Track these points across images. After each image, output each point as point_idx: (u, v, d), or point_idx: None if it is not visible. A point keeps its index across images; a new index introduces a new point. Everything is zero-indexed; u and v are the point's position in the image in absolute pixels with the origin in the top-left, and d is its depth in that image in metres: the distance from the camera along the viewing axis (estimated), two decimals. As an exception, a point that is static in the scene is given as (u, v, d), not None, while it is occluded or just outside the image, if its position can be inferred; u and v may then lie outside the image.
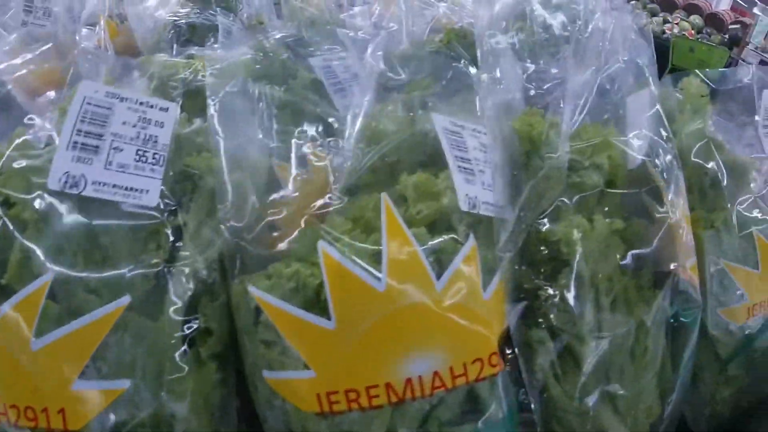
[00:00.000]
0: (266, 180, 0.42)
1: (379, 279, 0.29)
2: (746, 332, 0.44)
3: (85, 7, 0.80)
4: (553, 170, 0.37)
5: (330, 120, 0.49)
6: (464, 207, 0.35)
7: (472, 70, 0.57)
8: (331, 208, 0.41)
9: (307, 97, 0.51)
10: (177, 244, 0.34)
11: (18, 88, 0.68)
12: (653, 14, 1.97)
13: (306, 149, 0.46)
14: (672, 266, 0.41)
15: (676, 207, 0.40)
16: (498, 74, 0.50)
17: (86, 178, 0.32)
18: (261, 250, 0.38)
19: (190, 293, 0.34)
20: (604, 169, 0.40)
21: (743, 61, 1.65)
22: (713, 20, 1.84)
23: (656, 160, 0.42)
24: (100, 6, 0.78)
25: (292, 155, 0.45)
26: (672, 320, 0.40)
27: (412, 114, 0.48)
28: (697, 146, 0.43)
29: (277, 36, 0.55)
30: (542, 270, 0.38)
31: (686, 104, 0.46)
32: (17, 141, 0.34)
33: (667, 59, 1.49)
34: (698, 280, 0.40)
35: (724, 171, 0.44)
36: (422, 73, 0.55)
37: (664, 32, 1.83)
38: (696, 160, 0.44)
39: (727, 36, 1.78)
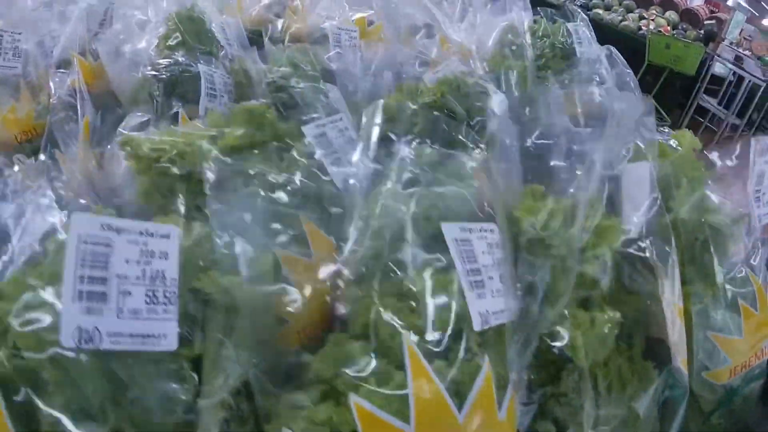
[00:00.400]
0: (274, 277, 0.41)
1: (408, 423, 0.30)
2: (727, 388, 0.47)
3: (56, 43, 0.73)
4: (561, 277, 0.37)
5: (331, 201, 0.48)
6: (478, 327, 0.34)
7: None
8: (340, 302, 0.41)
9: (305, 174, 0.49)
10: (199, 375, 0.34)
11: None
12: (629, 10, 1.92)
13: (308, 235, 0.45)
14: (661, 335, 0.43)
15: (668, 293, 0.41)
16: (498, 152, 0.49)
17: (100, 330, 0.30)
18: (281, 361, 0.38)
19: (220, 425, 0.33)
20: (606, 263, 0.40)
21: (719, 57, 1.64)
22: (689, 16, 1.81)
23: (652, 245, 0.42)
24: (72, 42, 0.72)
25: (294, 243, 0.44)
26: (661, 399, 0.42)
27: (412, 190, 0.47)
28: (693, 225, 0.44)
29: (265, 101, 0.52)
30: (547, 369, 0.38)
31: (682, 177, 0.46)
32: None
33: (643, 56, 1.47)
34: (687, 371, 0.41)
35: (717, 242, 0.45)
36: (418, 135, 0.53)
37: (640, 29, 1.80)
38: (692, 236, 0.44)
39: (702, 32, 1.75)
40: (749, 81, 1.85)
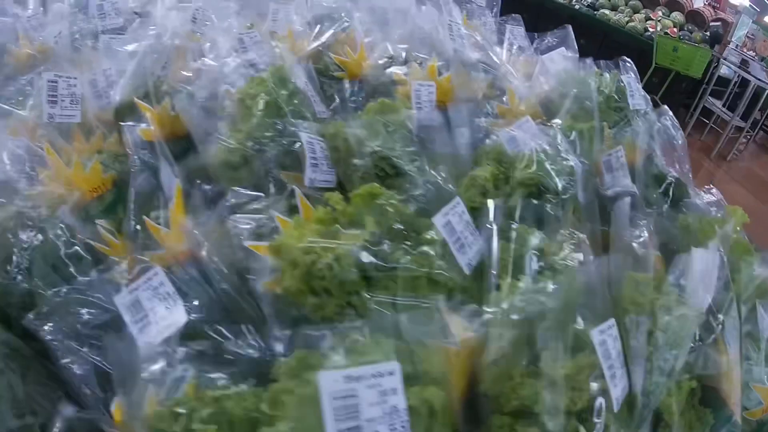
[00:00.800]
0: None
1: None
2: (759, 422, 0.64)
3: (109, 83, 0.72)
4: (679, 362, 0.50)
5: (464, 290, 0.57)
6: (616, 410, 0.47)
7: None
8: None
9: (437, 261, 0.57)
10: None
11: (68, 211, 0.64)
12: (635, 11, 2.01)
13: (449, 322, 0.54)
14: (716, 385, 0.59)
15: (733, 363, 0.56)
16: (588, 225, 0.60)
17: (362, 471, 0.37)
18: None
19: None
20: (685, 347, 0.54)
21: (725, 60, 1.79)
22: (694, 17, 1.92)
23: (719, 322, 0.56)
24: (134, 84, 0.71)
25: (440, 333, 0.53)
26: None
27: (538, 280, 0.57)
28: (751, 303, 0.58)
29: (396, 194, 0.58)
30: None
31: (739, 261, 0.60)
32: None
33: (649, 57, 1.58)
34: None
35: (764, 311, 0.60)
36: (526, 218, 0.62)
37: (646, 30, 1.90)
38: (747, 309, 0.59)
39: (708, 33, 1.87)
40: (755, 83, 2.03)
